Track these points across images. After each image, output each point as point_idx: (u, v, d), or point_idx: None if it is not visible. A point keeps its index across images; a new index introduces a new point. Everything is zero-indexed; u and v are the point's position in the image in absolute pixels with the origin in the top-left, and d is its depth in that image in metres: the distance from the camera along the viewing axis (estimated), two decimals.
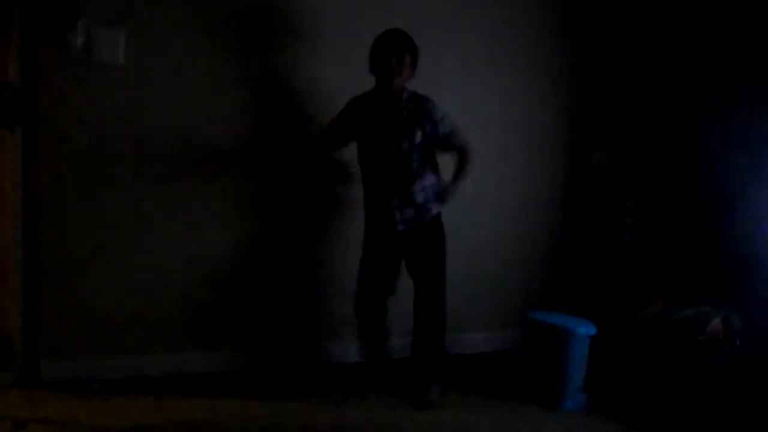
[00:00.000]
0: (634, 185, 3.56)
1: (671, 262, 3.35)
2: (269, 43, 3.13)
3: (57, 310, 2.92)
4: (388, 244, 2.91)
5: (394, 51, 2.75)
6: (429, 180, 2.85)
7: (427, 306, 2.89)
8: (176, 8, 2.96)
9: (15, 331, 2.90)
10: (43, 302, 2.91)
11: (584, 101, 3.65)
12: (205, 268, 3.11)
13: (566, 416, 2.86)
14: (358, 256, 2.98)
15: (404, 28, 2.81)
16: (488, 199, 3.53)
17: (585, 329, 2.91)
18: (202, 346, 3.13)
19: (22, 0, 2.77)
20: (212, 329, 3.15)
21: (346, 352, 3.31)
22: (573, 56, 3.61)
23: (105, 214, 2.96)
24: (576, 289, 3.61)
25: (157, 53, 2.96)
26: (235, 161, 3.12)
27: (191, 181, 3.06)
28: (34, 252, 2.89)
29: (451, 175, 2.94)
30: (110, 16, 2.88)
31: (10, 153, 2.86)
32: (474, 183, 3.44)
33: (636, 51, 3.61)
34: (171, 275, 3.06)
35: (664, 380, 2.87)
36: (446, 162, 2.95)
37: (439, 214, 2.90)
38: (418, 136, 2.79)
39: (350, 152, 2.98)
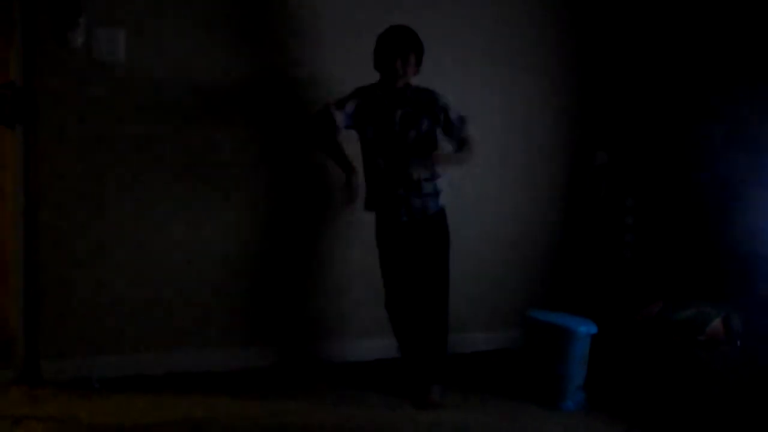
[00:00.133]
0: (634, 185, 3.56)
1: (671, 261, 3.34)
2: (269, 41, 3.13)
3: (57, 308, 2.93)
4: (395, 236, 2.88)
5: (398, 53, 2.74)
6: (435, 171, 2.82)
7: (429, 306, 2.87)
8: (176, 7, 2.97)
9: (16, 330, 2.91)
10: (44, 300, 2.92)
11: (584, 101, 3.65)
12: (205, 267, 3.11)
13: (566, 416, 2.85)
14: (358, 254, 2.98)
15: None
16: (488, 198, 3.53)
17: (585, 328, 2.90)
18: (202, 345, 3.13)
19: None
20: (213, 328, 3.15)
21: (346, 351, 3.31)
22: (573, 56, 3.61)
23: (105, 213, 2.96)
24: (576, 289, 3.61)
25: (158, 52, 2.96)
26: (236, 160, 3.12)
27: (191, 181, 3.06)
28: (35, 250, 2.89)
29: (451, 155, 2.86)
30: (110, 15, 2.89)
31: (10, 152, 2.86)
32: (474, 183, 3.45)
33: (636, 50, 3.61)
34: (171, 274, 3.06)
35: (664, 380, 2.86)
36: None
37: (443, 209, 2.87)
38: (425, 125, 2.78)
39: (350, 153, 2.98)
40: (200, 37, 3.01)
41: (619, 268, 3.52)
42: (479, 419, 2.78)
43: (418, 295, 2.87)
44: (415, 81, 2.85)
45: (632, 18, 3.62)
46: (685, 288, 3.15)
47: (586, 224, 3.68)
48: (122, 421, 2.58)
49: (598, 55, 3.65)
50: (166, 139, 3.01)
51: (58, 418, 2.58)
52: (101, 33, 2.87)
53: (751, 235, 2.99)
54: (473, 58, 3.43)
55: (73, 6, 2.80)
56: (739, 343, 2.77)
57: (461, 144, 2.84)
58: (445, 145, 2.88)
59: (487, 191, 3.51)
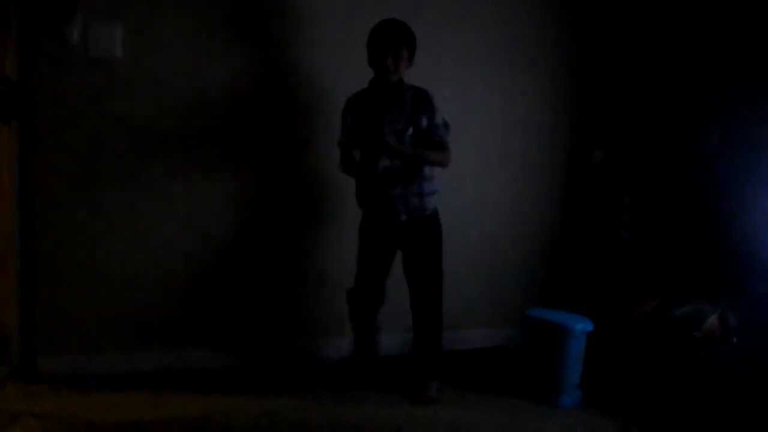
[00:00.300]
0: (631, 183, 3.56)
1: (668, 259, 3.35)
2: (268, 39, 3.12)
3: (54, 304, 2.92)
4: (387, 236, 2.89)
5: (389, 49, 2.73)
6: (431, 171, 2.83)
7: (424, 302, 2.88)
8: (174, 3, 2.96)
9: (12, 326, 2.90)
10: (40, 297, 2.91)
11: (584, 101, 3.65)
12: (202, 264, 3.10)
13: (563, 413, 2.86)
14: (353, 252, 2.97)
15: None
16: (488, 197, 3.53)
17: (582, 326, 2.91)
18: (199, 343, 3.13)
19: None
20: (209, 325, 3.15)
21: (342, 349, 3.31)
22: (573, 56, 3.61)
23: (102, 210, 2.95)
24: (573, 286, 3.62)
25: (155, 48, 2.95)
26: (234, 158, 3.12)
27: (189, 178, 3.06)
28: (31, 247, 2.88)
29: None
30: (108, 10, 2.87)
31: (6, 147, 2.85)
32: (474, 182, 3.46)
33: (636, 50, 3.61)
34: (168, 271, 3.06)
35: (660, 377, 2.87)
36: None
37: (437, 209, 2.89)
38: (423, 123, 2.78)
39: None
40: (199, 33, 3.00)
41: (615, 266, 3.52)
42: (476, 416, 2.78)
43: (413, 292, 2.89)
44: (414, 81, 2.85)
45: (631, 18, 3.62)
46: (681, 286, 3.16)
47: (583, 222, 3.68)
48: (119, 418, 2.57)
49: (597, 54, 3.65)
50: (164, 136, 3.00)
51: (54, 414, 2.57)
52: (98, 28, 2.85)
53: (748, 233, 2.99)
54: (473, 58, 3.42)
55: (70, 1, 2.79)
56: (735, 340, 2.78)
57: (439, 147, 2.83)
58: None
59: (486, 190, 3.51)
